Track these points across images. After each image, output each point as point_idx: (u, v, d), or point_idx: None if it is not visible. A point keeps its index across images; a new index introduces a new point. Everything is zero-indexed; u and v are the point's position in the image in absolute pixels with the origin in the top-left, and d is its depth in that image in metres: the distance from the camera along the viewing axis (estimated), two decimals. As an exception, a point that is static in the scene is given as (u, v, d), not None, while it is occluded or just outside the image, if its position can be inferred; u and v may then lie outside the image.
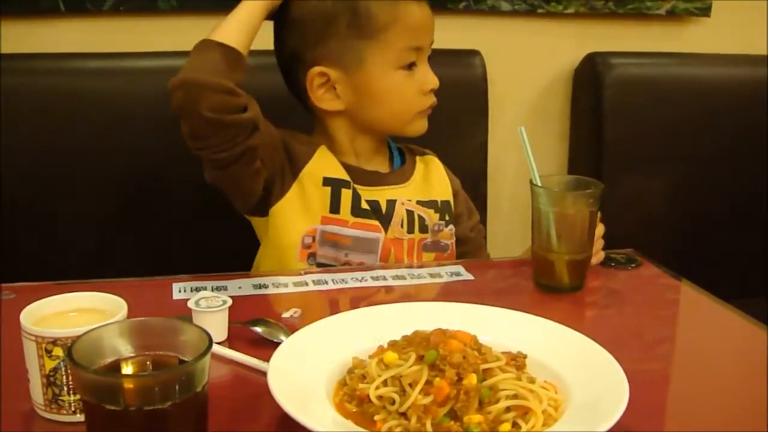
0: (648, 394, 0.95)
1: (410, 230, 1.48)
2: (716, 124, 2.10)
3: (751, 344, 1.15)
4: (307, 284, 1.29)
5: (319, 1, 1.41)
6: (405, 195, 1.50)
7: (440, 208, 1.53)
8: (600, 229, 1.38)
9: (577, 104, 2.16)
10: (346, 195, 1.44)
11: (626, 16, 2.13)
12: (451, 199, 1.57)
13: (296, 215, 1.42)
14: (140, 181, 1.76)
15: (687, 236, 2.10)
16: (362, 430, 0.83)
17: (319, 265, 1.43)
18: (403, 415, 0.84)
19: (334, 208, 1.43)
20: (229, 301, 1.08)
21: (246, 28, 1.35)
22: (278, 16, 1.44)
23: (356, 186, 1.45)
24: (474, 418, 0.82)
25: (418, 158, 1.58)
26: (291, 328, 1.04)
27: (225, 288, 1.25)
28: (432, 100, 1.48)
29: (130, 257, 1.77)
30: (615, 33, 2.15)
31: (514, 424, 0.83)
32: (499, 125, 2.01)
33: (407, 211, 1.49)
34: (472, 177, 1.94)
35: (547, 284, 1.28)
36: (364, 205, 1.45)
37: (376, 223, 1.45)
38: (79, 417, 0.87)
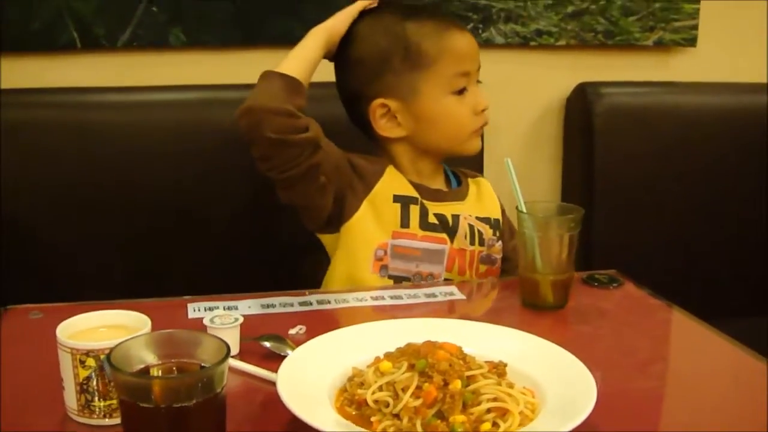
0: (617, 400, 1.04)
1: (472, 242, 1.58)
2: (703, 150, 2.14)
3: (730, 364, 1.21)
4: (311, 304, 1.37)
5: (374, 42, 1.55)
6: (465, 210, 1.60)
7: (493, 224, 1.63)
8: None
9: (569, 132, 2.21)
10: (415, 210, 1.54)
11: (615, 47, 2.18)
12: (500, 217, 1.67)
13: (369, 230, 1.52)
14: (153, 211, 1.83)
15: (675, 259, 2.13)
16: (361, 429, 0.92)
17: (391, 277, 1.53)
18: (397, 416, 0.93)
19: (404, 222, 1.54)
20: (241, 319, 1.16)
21: (305, 62, 1.49)
22: (338, 58, 1.59)
23: (423, 201, 1.55)
24: (458, 418, 0.91)
25: (470, 180, 1.68)
26: (297, 343, 1.11)
27: (236, 307, 1.32)
28: (485, 119, 1.58)
29: (145, 283, 1.82)
30: (605, 63, 2.20)
31: (494, 424, 0.92)
32: (494, 153, 2.03)
33: (469, 225, 1.58)
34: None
35: (532, 303, 1.36)
36: (432, 219, 1.55)
37: (443, 235, 1.55)
38: (109, 421, 0.96)
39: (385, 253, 1.53)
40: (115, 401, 0.95)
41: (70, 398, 0.97)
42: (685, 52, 2.25)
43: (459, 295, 1.43)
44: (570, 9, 2.12)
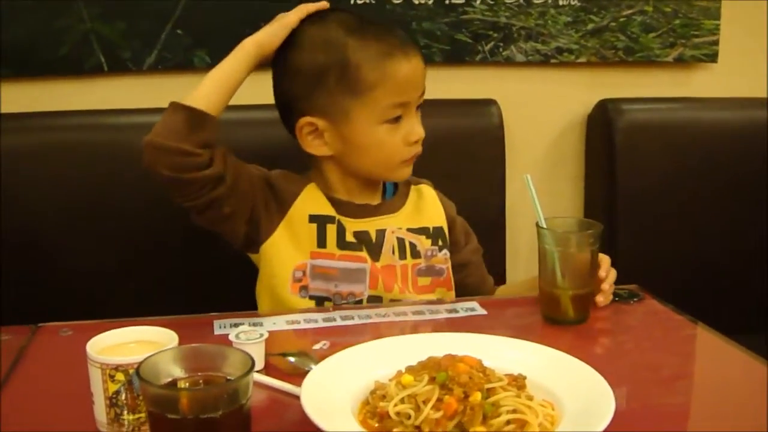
0: (641, 416, 1.06)
1: (402, 257, 1.55)
2: (724, 166, 2.14)
3: (757, 381, 1.19)
4: (335, 320, 1.39)
5: (313, 55, 1.48)
6: (395, 224, 1.56)
7: (432, 234, 1.59)
8: (613, 273, 1.45)
9: (590, 149, 2.22)
10: (331, 230, 1.52)
11: (636, 63, 2.19)
12: (444, 225, 1.62)
13: (286, 251, 1.51)
14: (180, 225, 1.84)
15: (697, 274, 2.13)
16: (383, 441, 0.95)
17: (311, 297, 1.51)
18: (418, 428, 0.95)
19: (321, 242, 1.51)
20: (266, 334, 1.18)
21: (220, 88, 1.45)
22: (276, 60, 1.52)
23: (346, 219, 1.53)
24: (478, 429, 0.93)
25: (412, 187, 1.64)
26: (321, 358, 1.13)
27: (261, 324, 1.34)
28: (416, 150, 1.52)
29: (164, 299, 1.80)
30: (625, 80, 2.21)
31: (514, 435, 0.94)
32: (516, 170, 2.06)
33: (398, 238, 1.55)
34: (490, 220, 2.02)
35: (553, 317, 1.37)
36: (350, 238, 1.52)
37: (362, 254, 1.52)
38: (137, 434, 0.99)
39: (304, 273, 1.51)
40: (143, 415, 0.97)
41: (100, 412, 1.00)
42: (706, 68, 2.26)
43: (480, 311, 1.44)
44: (590, 26, 2.13)
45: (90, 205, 1.83)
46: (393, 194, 1.62)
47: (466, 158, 1.99)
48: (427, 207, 1.63)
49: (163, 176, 1.40)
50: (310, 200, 1.54)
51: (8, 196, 1.78)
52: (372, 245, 1.54)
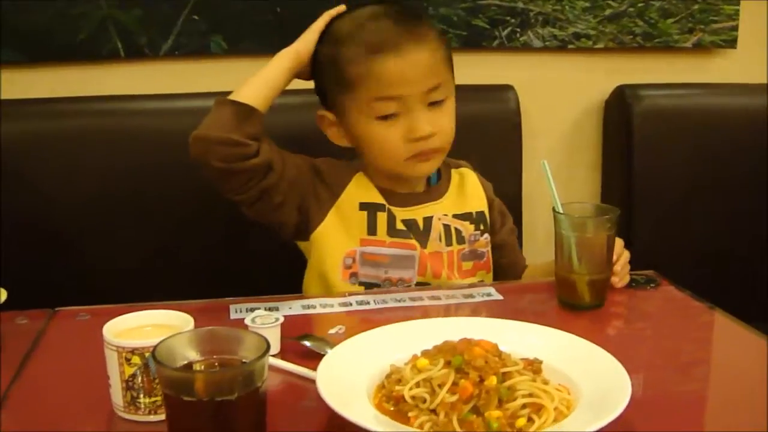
0: (658, 402, 1.05)
1: (448, 243, 1.56)
2: (743, 152, 2.13)
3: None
4: (351, 304, 1.40)
5: (324, 47, 1.52)
6: (441, 210, 1.57)
7: (475, 219, 1.60)
8: (626, 255, 1.46)
9: (608, 135, 2.21)
10: (382, 217, 1.53)
11: (654, 49, 2.18)
12: (485, 209, 1.64)
13: (337, 239, 1.53)
14: (194, 210, 1.86)
15: (714, 261, 2.12)
16: (398, 424, 0.94)
17: (361, 283, 1.53)
18: (433, 411, 0.95)
19: (372, 230, 1.53)
20: (282, 319, 1.18)
21: (264, 88, 1.47)
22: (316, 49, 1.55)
23: (392, 208, 1.54)
24: (494, 413, 0.93)
25: (453, 171, 1.65)
26: (336, 343, 1.13)
27: (277, 309, 1.34)
28: (422, 146, 1.49)
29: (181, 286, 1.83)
30: (643, 66, 2.20)
31: (529, 419, 0.94)
32: (533, 157, 2.06)
33: (444, 225, 1.56)
34: (507, 205, 2.01)
35: (569, 302, 1.37)
36: (399, 226, 1.53)
37: (412, 241, 1.53)
38: (154, 417, 0.99)
39: (354, 260, 1.53)
40: (159, 398, 0.98)
41: (117, 395, 1.00)
42: (725, 54, 2.25)
43: (496, 296, 1.44)
44: (608, 12, 2.12)
45: (108, 191, 1.84)
46: (438, 180, 1.63)
47: (482, 144, 1.98)
48: (470, 191, 1.64)
49: (213, 168, 1.42)
50: (360, 188, 1.55)
51: (25, 182, 1.79)
52: (420, 233, 1.55)
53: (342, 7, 1.56)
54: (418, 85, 1.47)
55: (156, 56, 1.95)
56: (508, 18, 2.08)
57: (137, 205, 1.85)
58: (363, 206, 1.54)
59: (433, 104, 1.50)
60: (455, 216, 1.59)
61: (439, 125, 1.49)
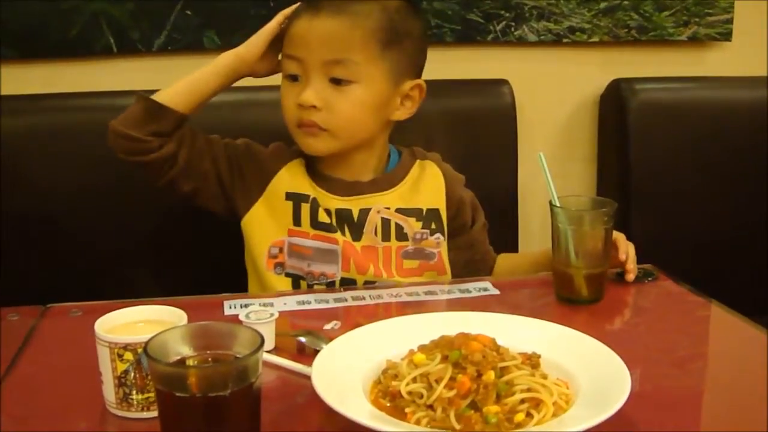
0: (655, 397, 1.05)
1: (386, 238, 1.53)
2: (738, 145, 2.12)
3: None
4: (346, 300, 1.38)
5: None
6: (383, 203, 1.54)
7: (425, 216, 1.56)
8: (631, 248, 1.45)
9: (603, 129, 2.21)
10: (305, 209, 1.52)
11: (649, 42, 2.17)
12: (442, 207, 1.58)
13: (264, 227, 1.53)
14: (187, 211, 1.82)
15: (711, 254, 2.12)
16: (395, 420, 0.93)
17: (288, 275, 1.52)
18: (430, 407, 0.94)
19: (296, 221, 1.52)
20: (276, 314, 1.17)
21: (189, 92, 1.51)
22: None
23: (329, 195, 1.52)
24: (492, 408, 0.91)
25: (417, 162, 1.61)
26: (331, 338, 1.12)
27: (271, 305, 1.33)
28: (304, 115, 1.47)
29: (173, 281, 1.82)
30: (639, 59, 2.19)
31: (528, 414, 0.93)
32: (529, 151, 2.05)
33: (382, 219, 1.53)
34: (503, 200, 2.01)
35: (567, 297, 1.36)
36: (323, 218, 1.51)
37: (334, 235, 1.51)
38: (147, 414, 0.98)
39: (281, 250, 1.53)
40: (152, 394, 0.96)
41: (109, 392, 0.99)
42: (720, 47, 2.24)
43: (493, 290, 1.43)
44: (602, 5, 2.12)
45: (100, 187, 1.83)
46: (393, 167, 1.59)
47: (478, 139, 1.98)
48: (426, 186, 1.59)
49: (118, 158, 1.50)
50: (290, 177, 1.55)
51: (18, 178, 1.78)
52: (354, 224, 1.53)
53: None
54: (316, 52, 1.45)
55: (149, 51, 1.94)
56: (503, 12, 2.07)
57: (130, 201, 1.84)
58: (288, 196, 1.53)
59: (336, 81, 1.46)
60: (399, 210, 1.55)
61: (330, 104, 1.46)
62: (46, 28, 1.87)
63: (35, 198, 1.81)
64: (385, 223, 1.53)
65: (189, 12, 1.92)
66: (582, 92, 2.21)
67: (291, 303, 1.37)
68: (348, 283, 1.51)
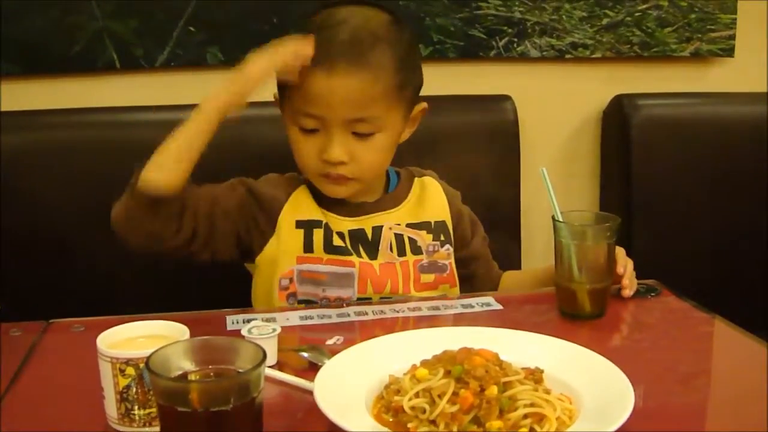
0: (659, 413, 1.04)
1: (401, 254, 1.52)
2: (741, 161, 2.12)
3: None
4: (349, 315, 1.38)
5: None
6: (394, 219, 1.53)
7: (434, 228, 1.55)
8: (630, 263, 1.44)
9: (606, 144, 2.20)
10: (318, 234, 1.49)
11: (651, 58, 2.17)
12: (447, 218, 1.58)
13: (275, 260, 1.49)
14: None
15: (714, 270, 2.12)
16: (398, 435, 0.93)
17: (300, 302, 1.49)
18: (433, 422, 0.93)
19: (308, 247, 1.48)
20: (278, 329, 1.17)
21: (180, 161, 1.39)
22: None
23: (341, 218, 1.51)
24: (495, 424, 0.91)
25: (416, 180, 1.60)
26: (334, 353, 1.11)
27: (274, 320, 1.32)
28: (331, 169, 1.45)
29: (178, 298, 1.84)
30: (641, 75, 2.20)
31: (531, 430, 0.92)
32: (531, 167, 2.04)
33: (396, 234, 1.52)
34: (505, 215, 2.01)
35: (570, 312, 1.35)
36: (337, 242, 1.49)
37: (350, 258, 1.48)
38: (149, 429, 0.98)
39: (291, 280, 1.49)
40: (154, 410, 0.96)
41: (111, 407, 0.99)
42: (723, 63, 2.24)
43: (496, 306, 1.42)
44: (605, 21, 2.12)
45: (103, 202, 1.80)
46: (395, 188, 1.59)
47: (480, 154, 1.98)
48: (430, 200, 1.59)
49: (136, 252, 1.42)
50: (297, 205, 1.52)
51: (21, 193, 1.79)
52: (369, 243, 1.51)
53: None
54: (339, 111, 1.41)
55: (152, 67, 1.95)
56: (506, 28, 2.07)
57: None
58: (299, 224, 1.50)
59: (359, 135, 1.44)
60: (410, 225, 1.54)
61: (357, 156, 1.45)
62: (48, 43, 1.88)
63: (37, 213, 1.81)
64: (399, 238, 1.53)
65: (192, 28, 1.92)
66: (585, 108, 2.21)
67: (294, 318, 1.36)
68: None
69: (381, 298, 1.50)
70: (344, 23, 1.43)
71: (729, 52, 2.20)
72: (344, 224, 1.51)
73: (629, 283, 1.43)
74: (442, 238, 1.56)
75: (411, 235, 1.54)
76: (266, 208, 1.51)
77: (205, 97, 1.41)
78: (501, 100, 2.05)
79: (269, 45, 1.41)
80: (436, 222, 1.57)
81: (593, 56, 2.15)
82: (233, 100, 1.41)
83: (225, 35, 1.94)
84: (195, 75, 1.97)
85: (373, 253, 1.51)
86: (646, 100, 2.14)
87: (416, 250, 1.54)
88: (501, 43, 2.08)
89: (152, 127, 1.85)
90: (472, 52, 2.07)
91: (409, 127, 1.54)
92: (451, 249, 1.58)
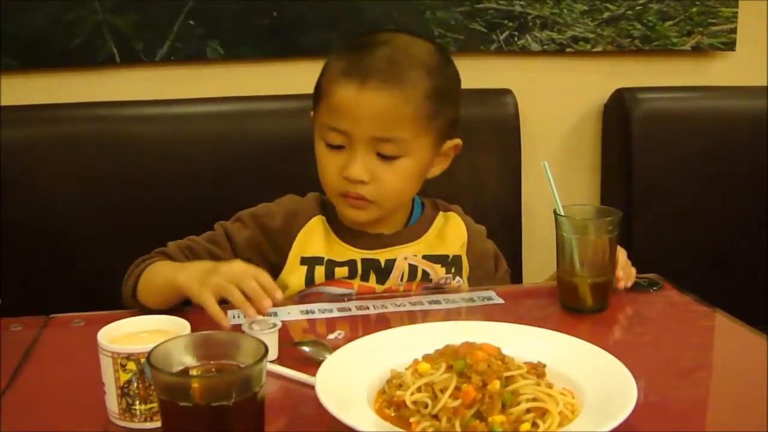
0: (660, 406, 1.04)
1: (411, 281, 1.50)
2: (742, 154, 2.12)
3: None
4: (350, 309, 1.38)
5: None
6: (412, 251, 1.50)
7: (450, 262, 1.53)
8: (622, 254, 1.42)
9: (607, 138, 2.19)
10: (319, 270, 1.47)
11: (652, 52, 2.16)
12: (464, 254, 1.56)
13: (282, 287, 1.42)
14: (191, 222, 1.83)
15: (715, 264, 2.11)
16: (400, 430, 0.92)
17: None
18: (435, 417, 0.93)
19: (309, 282, 1.47)
20: (279, 324, 1.17)
21: (162, 296, 1.34)
22: None
23: (353, 249, 1.48)
24: (497, 418, 0.91)
25: (440, 214, 1.58)
26: (335, 348, 1.11)
27: (275, 314, 1.31)
28: (350, 188, 1.42)
29: None
30: (642, 69, 2.18)
31: (534, 424, 0.92)
32: (532, 161, 2.03)
33: (410, 265, 1.49)
34: (506, 209, 2.01)
35: (571, 306, 1.36)
36: (339, 275, 1.47)
37: (351, 281, 1.47)
38: (150, 424, 0.98)
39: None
40: (155, 405, 0.96)
41: (112, 402, 0.99)
42: (724, 57, 2.23)
43: (497, 300, 1.43)
44: (606, 15, 2.11)
45: (104, 196, 1.83)
46: (417, 220, 1.56)
47: (481, 148, 1.97)
48: (451, 234, 1.57)
49: None
50: (306, 240, 1.49)
51: (21, 188, 1.78)
52: (381, 270, 1.49)
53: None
54: (365, 127, 1.39)
55: (152, 62, 1.94)
56: (506, 22, 2.07)
57: (133, 211, 1.84)
58: (303, 261, 1.48)
59: (383, 156, 1.41)
60: (425, 257, 1.51)
61: (378, 177, 1.41)
62: (48, 38, 1.86)
63: (37, 208, 1.80)
64: (412, 269, 1.50)
65: (192, 22, 1.91)
66: (585, 102, 2.20)
67: (294, 312, 1.36)
68: None
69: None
70: (386, 44, 1.43)
71: (730, 45, 2.19)
72: (357, 255, 1.49)
73: (624, 275, 1.41)
74: (453, 270, 1.54)
75: (425, 268, 1.51)
76: (278, 245, 1.49)
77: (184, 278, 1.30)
78: (501, 94, 2.04)
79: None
80: (453, 256, 1.54)
81: (594, 50, 2.14)
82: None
83: (225, 29, 1.93)
84: (195, 69, 1.96)
85: (382, 280, 1.49)
86: (647, 94, 2.13)
87: (426, 281, 1.52)
88: (502, 37, 2.08)
89: (152, 122, 1.88)
90: (472, 45, 2.06)
91: (439, 163, 1.51)
92: (462, 281, 1.55)
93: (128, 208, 1.84)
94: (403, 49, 1.43)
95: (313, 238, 1.50)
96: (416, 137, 1.42)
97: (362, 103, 1.37)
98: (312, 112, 1.49)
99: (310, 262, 1.48)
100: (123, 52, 1.91)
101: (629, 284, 1.43)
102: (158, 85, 1.95)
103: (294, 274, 1.47)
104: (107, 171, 1.83)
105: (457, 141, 1.52)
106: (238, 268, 1.25)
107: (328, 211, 1.52)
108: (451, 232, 1.57)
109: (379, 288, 1.48)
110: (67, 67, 1.92)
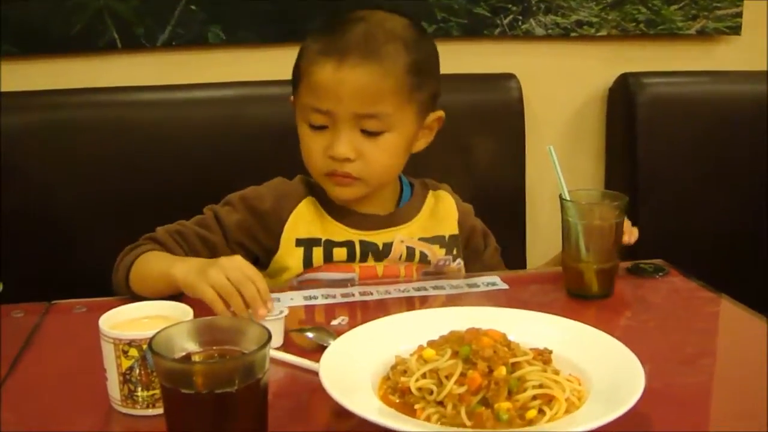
0: (666, 393, 1.03)
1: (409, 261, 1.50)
2: (747, 139, 2.11)
3: None
4: (353, 295, 1.37)
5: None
6: (406, 234, 1.50)
7: (447, 243, 1.53)
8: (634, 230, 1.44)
9: (611, 123, 2.19)
10: (318, 252, 1.46)
11: (657, 36, 2.16)
12: (457, 232, 1.56)
13: (279, 272, 1.47)
14: (192, 207, 1.83)
15: (720, 249, 2.10)
16: (405, 416, 0.91)
17: None
18: (440, 403, 0.92)
19: (307, 264, 1.46)
20: (286, 311, 1.16)
21: (154, 288, 1.30)
22: None
23: (350, 229, 1.47)
24: (503, 405, 0.90)
25: (431, 192, 1.58)
26: (339, 334, 1.10)
27: (278, 300, 1.30)
28: (336, 167, 1.41)
29: None
30: (647, 53, 2.18)
31: (540, 411, 0.91)
32: (536, 146, 2.04)
33: (407, 247, 1.49)
34: (510, 195, 2.00)
35: (577, 292, 1.35)
36: (337, 258, 1.46)
37: (351, 265, 1.46)
38: (152, 411, 0.97)
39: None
40: (157, 391, 0.95)
41: (114, 388, 0.98)
42: (729, 41, 2.23)
43: (501, 285, 1.42)
44: (610, -1, 2.10)
45: (105, 182, 1.82)
46: (408, 201, 1.55)
47: (485, 133, 1.96)
48: (444, 213, 1.57)
49: None
50: (300, 221, 1.48)
51: (22, 174, 1.77)
52: (379, 252, 1.48)
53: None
54: (347, 104, 1.38)
55: (153, 47, 1.93)
56: (510, 6, 2.05)
57: (135, 196, 1.83)
58: (299, 242, 1.47)
59: (368, 132, 1.40)
60: (422, 239, 1.51)
61: (364, 154, 1.41)
62: (49, 23, 1.85)
63: (37, 194, 1.80)
64: (410, 251, 1.49)
65: (193, 7, 1.90)
66: (590, 86, 2.19)
67: (298, 298, 1.36)
68: None
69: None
70: (362, 20, 1.42)
71: (735, 30, 2.18)
72: (354, 236, 1.48)
73: (627, 233, 1.40)
74: (455, 252, 1.54)
75: (423, 249, 1.51)
76: (269, 227, 1.48)
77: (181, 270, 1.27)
78: (505, 79, 2.03)
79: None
80: (450, 236, 1.54)
81: (598, 34, 2.13)
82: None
83: (227, 14, 1.92)
84: (197, 54, 1.95)
85: (381, 260, 1.49)
86: (652, 79, 2.12)
87: (425, 263, 1.51)
88: (505, 21, 2.06)
89: (154, 107, 1.87)
90: (476, 30, 2.05)
91: (424, 137, 1.50)
92: (462, 264, 1.56)
93: (129, 193, 1.83)
94: (378, 24, 1.42)
95: (307, 219, 1.49)
96: (399, 111, 1.41)
97: (342, 80, 1.37)
98: (292, 97, 1.48)
99: (306, 244, 1.47)
100: (124, 37, 1.90)
101: (632, 241, 1.42)
102: (160, 70, 1.94)
103: (291, 256, 1.47)
104: (108, 156, 1.82)
105: (440, 113, 1.50)
106: (239, 263, 1.22)
107: (317, 192, 1.51)
108: (444, 210, 1.57)
109: (379, 267, 1.48)
110: (68, 53, 1.90)
